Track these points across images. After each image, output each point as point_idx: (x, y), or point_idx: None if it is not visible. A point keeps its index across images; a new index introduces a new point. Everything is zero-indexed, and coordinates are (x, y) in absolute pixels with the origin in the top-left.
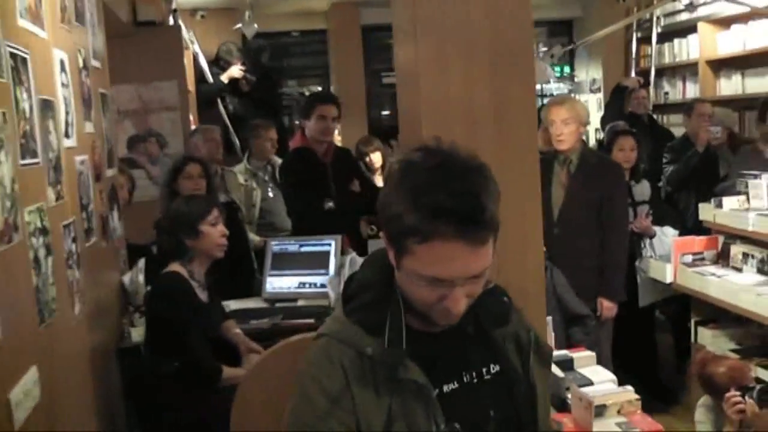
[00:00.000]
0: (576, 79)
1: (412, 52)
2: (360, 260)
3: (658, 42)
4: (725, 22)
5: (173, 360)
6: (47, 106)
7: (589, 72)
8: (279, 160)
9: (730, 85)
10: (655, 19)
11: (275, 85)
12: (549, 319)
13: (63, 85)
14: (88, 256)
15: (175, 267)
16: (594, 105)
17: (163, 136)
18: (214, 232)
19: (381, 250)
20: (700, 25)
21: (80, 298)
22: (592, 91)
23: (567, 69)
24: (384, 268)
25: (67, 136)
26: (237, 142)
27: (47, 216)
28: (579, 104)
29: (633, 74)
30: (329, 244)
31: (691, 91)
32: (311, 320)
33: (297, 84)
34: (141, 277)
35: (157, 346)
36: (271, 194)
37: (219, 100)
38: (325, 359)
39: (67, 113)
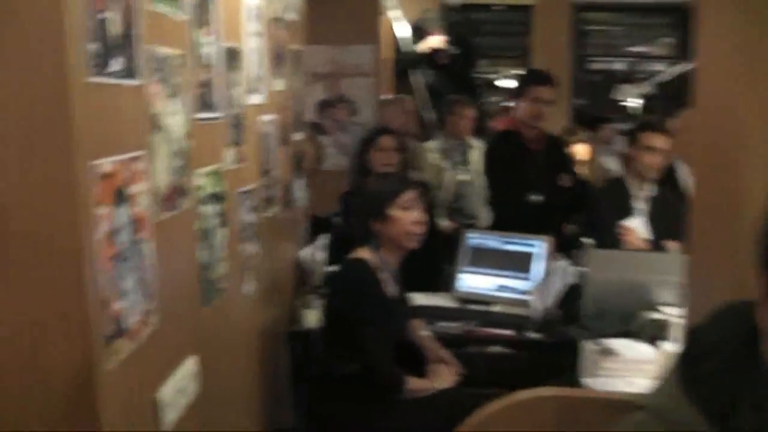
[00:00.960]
0: None
1: None
2: (573, 270)
3: None
4: None
5: (350, 361)
6: (233, 56)
7: None
8: (476, 142)
9: None
10: None
11: (475, 62)
12: None
13: (254, 34)
14: (267, 227)
15: (363, 253)
16: None
17: (354, 103)
18: (405, 217)
19: (740, 304)
20: None
21: (253, 275)
22: None
23: None
24: (744, 324)
25: (253, 91)
26: (431, 117)
27: (223, 180)
28: None
29: None
30: (534, 245)
31: None
32: (510, 332)
33: (489, 64)
34: (321, 255)
35: (333, 341)
36: (463, 177)
37: (414, 72)
38: None
39: (256, 66)
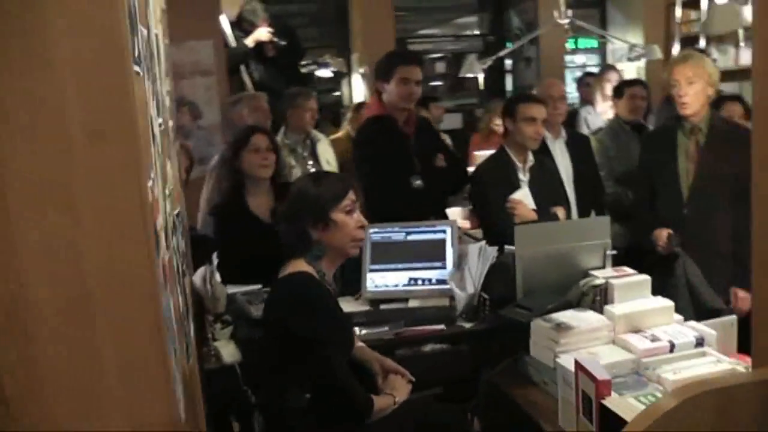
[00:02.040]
0: (610, 46)
1: None
2: (491, 250)
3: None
4: None
5: (302, 390)
6: None
7: (627, 37)
8: (320, 135)
9: None
10: None
11: (302, 53)
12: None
13: None
14: None
15: (299, 265)
16: (633, 75)
17: (196, 105)
18: (350, 222)
19: None
20: None
21: None
22: (630, 60)
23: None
24: None
25: None
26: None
27: None
28: (707, 61)
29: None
30: (444, 231)
31: (747, 59)
32: (441, 326)
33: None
34: (218, 276)
35: (277, 369)
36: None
37: (243, 67)
38: None
39: None
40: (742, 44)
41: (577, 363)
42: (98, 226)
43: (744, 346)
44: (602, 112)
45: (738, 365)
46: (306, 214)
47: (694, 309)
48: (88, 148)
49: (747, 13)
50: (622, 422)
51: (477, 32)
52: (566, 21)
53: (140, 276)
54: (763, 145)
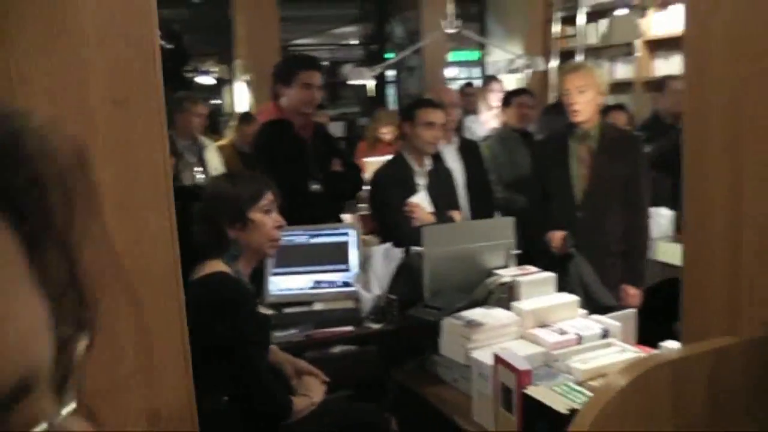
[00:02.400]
0: (489, 58)
1: None
2: (397, 251)
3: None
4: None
5: (219, 391)
6: None
7: (507, 52)
8: (207, 141)
9: (669, 66)
10: None
11: (187, 58)
12: None
13: None
14: None
15: (217, 266)
16: (513, 86)
17: None
18: (268, 221)
19: None
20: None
21: None
22: (510, 72)
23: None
24: None
25: None
26: None
27: None
28: (596, 71)
29: (555, 55)
30: (346, 234)
31: (623, 71)
32: (350, 328)
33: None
34: None
35: (197, 372)
36: (199, 179)
37: None
38: None
39: None
40: (639, 54)
41: (496, 356)
42: (119, 194)
43: (641, 338)
44: (485, 121)
45: (641, 353)
46: (223, 213)
47: (587, 306)
48: (112, 115)
49: (644, 24)
50: (545, 408)
51: (356, 42)
52: (455, 31)
53: (163, 245)
54: (695, 142)
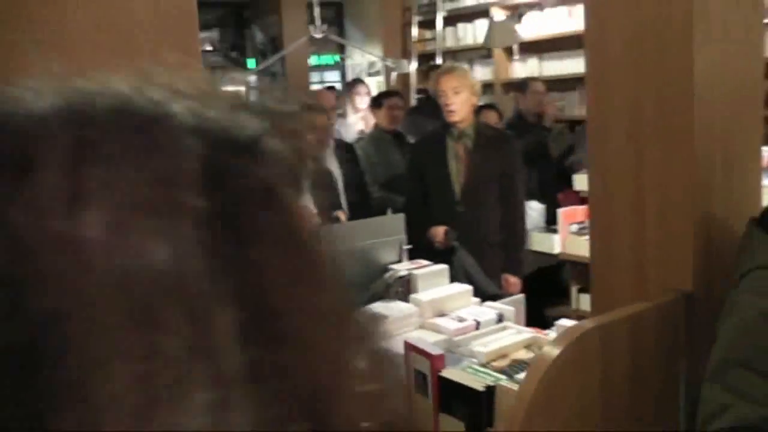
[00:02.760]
0: (349, 62)
1: None
2: None
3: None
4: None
5: None
6: None
7: (366, 55)
8: None
9: (526, 69)
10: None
11: None
12: None
13: None
14: None
15: None
16: (374, 89)
17: None
18: None
19: None
20: (494, 10)
21: None
22: (370, 75)
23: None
24: None
25: None
26: None
27: None
28: (469, 73)
29: (414, 58)
30: None
31: (481, 73)
32: None
33: None
34: None
35: None
36: None
37: None
38: None
39: None
40: (515, 58)
41: (407, 344)
42: None
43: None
44: (353, 123)
45: (535, 334)
46: None
47: (474, 295)
48: None
49: (520, 29)
50: (461, 388)
51: (211, 48)
52: (322, 35)
53: None
54: (598, 131)
